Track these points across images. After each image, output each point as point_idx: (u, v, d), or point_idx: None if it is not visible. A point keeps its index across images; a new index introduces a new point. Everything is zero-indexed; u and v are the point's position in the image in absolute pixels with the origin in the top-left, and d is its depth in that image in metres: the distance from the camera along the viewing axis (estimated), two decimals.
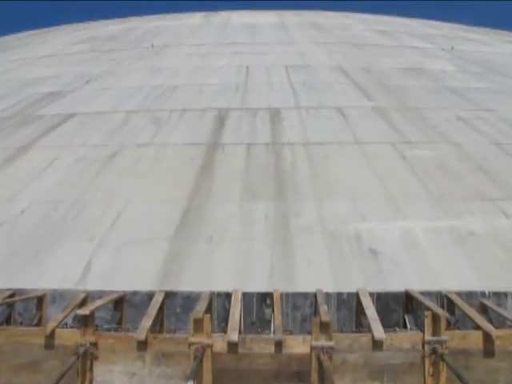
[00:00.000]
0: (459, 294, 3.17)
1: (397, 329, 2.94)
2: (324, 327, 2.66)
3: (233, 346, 2.67)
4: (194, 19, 13.88)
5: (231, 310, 2.95)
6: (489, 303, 3.15)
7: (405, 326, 3.09)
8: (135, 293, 3.22)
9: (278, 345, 2.67)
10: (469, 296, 3.19)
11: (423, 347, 2.70)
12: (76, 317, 2.89)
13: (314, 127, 5.67)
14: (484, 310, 3.13)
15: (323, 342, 2.63)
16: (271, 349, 2.69)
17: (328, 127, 5.69)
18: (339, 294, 3.23)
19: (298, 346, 2.70)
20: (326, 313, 2.74)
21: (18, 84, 8.28)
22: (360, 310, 3.08)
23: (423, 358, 2.69)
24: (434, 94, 7.06)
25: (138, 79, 7.83)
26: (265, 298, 3.19)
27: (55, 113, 6.53)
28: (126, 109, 6.42)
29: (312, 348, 2.64)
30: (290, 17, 13.66)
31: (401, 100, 6.70)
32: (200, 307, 2.80)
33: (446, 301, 3.18)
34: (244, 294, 3.13)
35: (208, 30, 12.29)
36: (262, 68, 8.20)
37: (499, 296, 3.25)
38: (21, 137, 5.80)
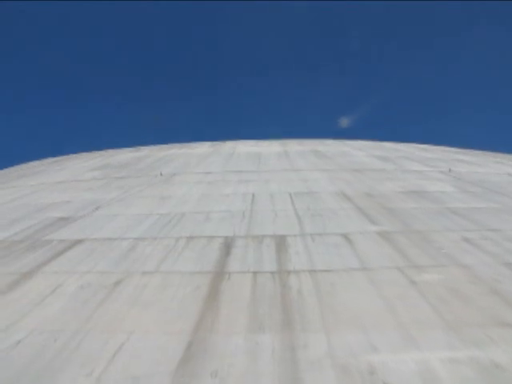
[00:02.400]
0: None
1: None
2: None
3: None
4: (202, 148, 14.66)
5: None
6: None
7: None
8: None
9: None
10: None
11: None
12: None
13: (320, 254, 5.64)
14: None
15: None
16: None
17: (334, 254, 5.65)
18: None
19: None
20: None
21: (32, 208, 8.53)
22: None
23: None
24: (436, 216, 7.14)
25: (146, 206, 8.06)
26: None
27: (63, 238, 6.61)
28: (134, 236, 6.51)
29: None
30: (293, 145, 14.42)
31: (405, 223, 6.76)
32: None
33: None
34: None
35: (215, 158, 12.91)
36: (267, 195, 8.44)
37: None
38: (28, 261, 5.79)
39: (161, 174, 10.75)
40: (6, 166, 17.31)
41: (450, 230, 6.45)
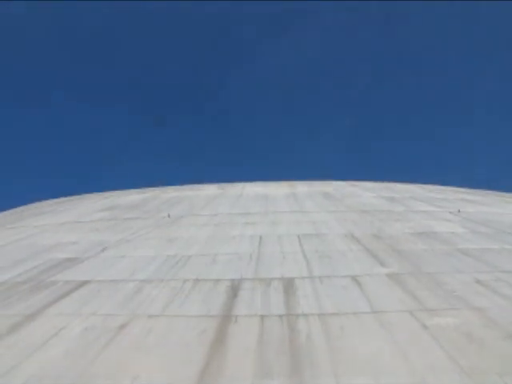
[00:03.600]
0: None
1: None
2: None
3: None
4: (210, 190, 14.73)
5: None
6: None
7: None
8: None
9: None
10: None
11: None
12: None
13: (329, 297, 5.53)
14: None
15: None
16: None
17: (343, 296, 5.54)
18: None
19: None
20: None
21: (38, 249, 8.52)
22: None
23: None
24: (447, 257, 7.02)
25: (153, 248, 8.03)
26: None
27: (69, 279, 6.55)
28: (140, 278, 6.45)
29: None
30: (301, 187, 14.48)
31: (414, 265, 6.65)
32: None
33: None
34: None
35: (223, 200, 12.94)
36: (275, 237, 8.39)
37: None
38: (31, 303, 5.71)
39: (168, 216, 10.77)
40: (12, 207, 17.45)
41: (462, 271, 6.32)
